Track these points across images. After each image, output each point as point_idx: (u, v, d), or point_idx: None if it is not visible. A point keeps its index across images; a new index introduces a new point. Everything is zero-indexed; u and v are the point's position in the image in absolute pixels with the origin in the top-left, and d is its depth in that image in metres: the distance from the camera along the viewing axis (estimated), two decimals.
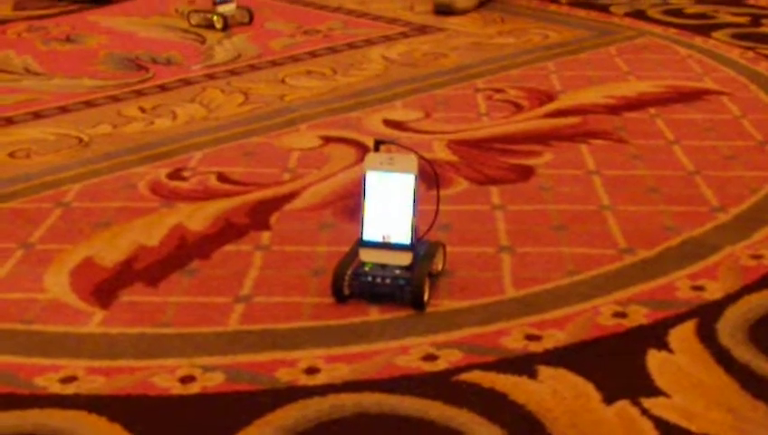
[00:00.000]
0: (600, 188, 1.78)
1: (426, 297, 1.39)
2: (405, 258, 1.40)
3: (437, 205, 1.48)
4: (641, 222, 1.65)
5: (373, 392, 1.21)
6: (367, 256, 1.42)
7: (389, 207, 1.39)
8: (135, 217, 1.70)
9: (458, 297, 1.42)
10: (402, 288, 1.38)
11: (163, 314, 1.40)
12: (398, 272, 1.40)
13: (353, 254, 1.43)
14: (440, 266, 1.47)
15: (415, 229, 1.40)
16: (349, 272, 1.41)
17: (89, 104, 2.32)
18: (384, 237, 1.40)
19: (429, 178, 1.56)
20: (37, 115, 2.25)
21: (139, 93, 2.39)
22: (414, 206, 1.39)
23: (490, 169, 1.87)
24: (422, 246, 1.44)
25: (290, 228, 1.65)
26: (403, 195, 1.39)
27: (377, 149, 1.40)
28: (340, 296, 1.41)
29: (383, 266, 1.41)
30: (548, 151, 1.95)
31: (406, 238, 1.40)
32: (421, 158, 1.41)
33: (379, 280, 1.39)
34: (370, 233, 1.41)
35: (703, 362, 1.25)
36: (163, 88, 2.44)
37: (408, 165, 1.38)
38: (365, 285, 1.40)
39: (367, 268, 1.41)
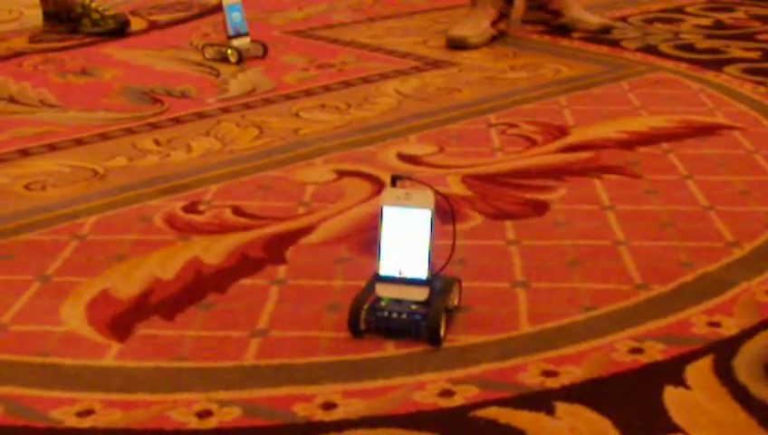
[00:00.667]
0: (615, 223, 1.78)
1: (442, 332, 1.39)
2: (421, 293, 1.40)
3: (454, 240, 1.48)
4: (656, 257, 1.65)
5: (390, 428, 1.21)
6: (383, 290, 1.42)
7: (406, 243, 1.40)
8: (151, 250, 1.71)
9: (474, 332, 1.42)
10: (418, 323, 1.39)
11: (180, 348, 1.40)
12: (414, 307, 1.40)
13: (369, 289, 1.43)
14: (456, 302, 1.48)
15: (431, 264, 1.40)
16: (365, 307, 1.41)
17: (104, 137, 2.34)
18: (400, 272, 1.41)
19: (444, 212, 1.56)
20: (53, 147, 2.27)
21: (154, 126, 2.41)
22: (430, 241, 1.39)
23: (504, 203, 1.87)
24: (438, 282, 1.44)
25: (306, 262, 1.66)
26: (419, 230, 1.39)
27: (393, 184, 1.41)
28: (356, 331, 1.41)
29: (399, 301, 1.41)
30: (562, 186, 1.96)
31: (422, 273, 1.40)
32: (437, 193, 1.42)
33: (395, 315, 1.40)
34: (387, 268, 1.41)
35: (720, 398, 1.25)
36: (178, 121, 2.45)
37: (424, 200, 1.39)
38: (381, 320, 1.40)
39: (383, 303, 1.41)
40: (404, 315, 1.39)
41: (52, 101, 2.65)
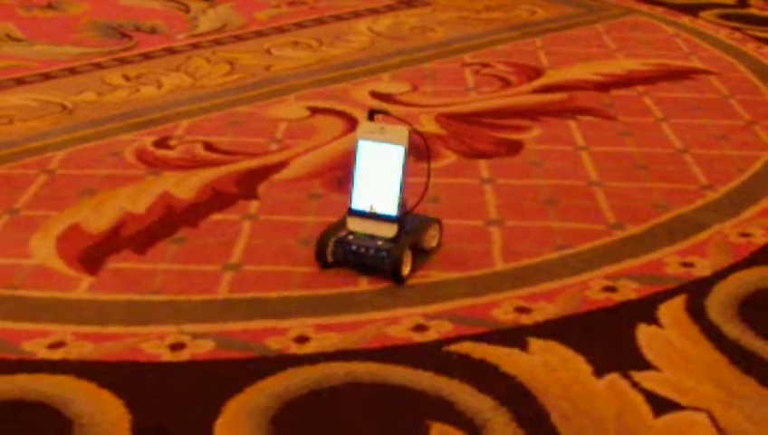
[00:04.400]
0: (589, 163, 1.78)
1: (405, 271, 1.37)
2: (390, 230, 1.39)
3: (428, 177, 1.46)
4: (630, 198, 1.64)
5: (364, 362, 1.20)
6: (354, 225, 1.41)
7: (378, 178, 1.38)
8: (121, 184, 1.69)
9: (448, 269, 1.42)
10: (383, 260, 1.38)
11: (151, 282, 1.39)
12: (380, 243, 1.39)
13: (341, 222, 1.42)
14: (434, 243, 1.46)
15: (402, 202, 1.39)
16: (333, 239, 1.40)
17: (72, 71, 2.30)
18: (372, 208, 1.39)
19: (418, 150, 1.55)
20: (20, 81, 2.23)
21: (123, 61, 2.37)
22: (402, 178, 1.38)
23: (479, 142, 1.86)
24: (413, 220, 1.43)
25: (278, 198, 1.64)
26: (392, 166, 1.38)
27: (371, 118, 1.39)
28: (323, 263, 1.40)
29: (370, 237, 1.40)
30: (536, 127, 1.95)
31: (392, 210, 1.39)
32: (414, 130, 1.40)
33: (362, 250, 1.38)
34: (359, 202, 1.40)
35: (692, 337, 1.25)
36: (147, 56, 2.41)
37: (398, 137, 1.37)
38: (349, 254, 1.39)
39: (352, 237, 1.40)
40: (371, 251, 1.38)
41: (18, 35, 2.60)
